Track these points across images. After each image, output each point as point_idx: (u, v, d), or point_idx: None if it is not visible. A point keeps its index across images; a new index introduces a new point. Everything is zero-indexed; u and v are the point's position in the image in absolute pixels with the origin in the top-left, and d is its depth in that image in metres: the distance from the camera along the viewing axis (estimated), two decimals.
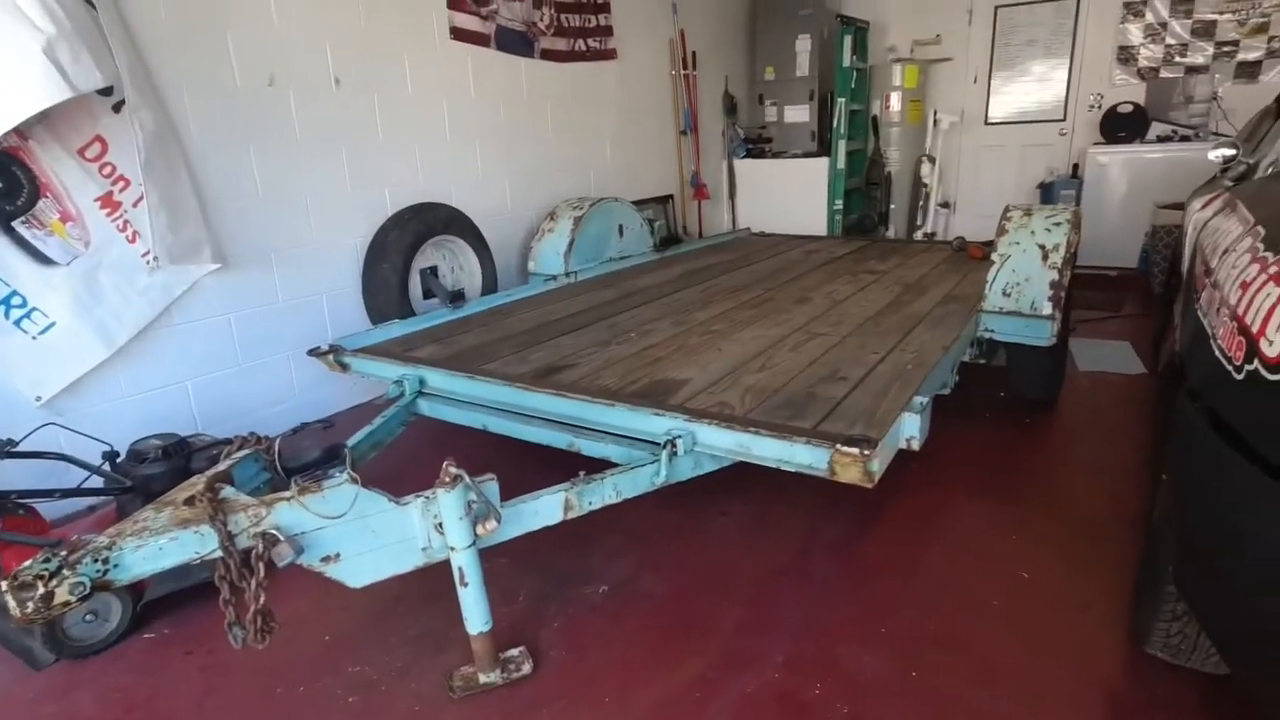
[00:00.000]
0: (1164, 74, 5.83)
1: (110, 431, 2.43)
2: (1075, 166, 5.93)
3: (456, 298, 3.42)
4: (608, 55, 5.10)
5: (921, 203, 6.33)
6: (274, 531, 1.46)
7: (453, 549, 1.65)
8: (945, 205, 6.56)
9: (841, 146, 6.16)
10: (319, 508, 1.52)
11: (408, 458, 2.87)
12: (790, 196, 6.46)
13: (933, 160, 6.23)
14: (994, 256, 3.03)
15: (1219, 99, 5.60)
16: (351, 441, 2.19)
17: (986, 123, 6.61)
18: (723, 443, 1.96)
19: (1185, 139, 5.61)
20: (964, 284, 3.74)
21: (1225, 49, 5.61)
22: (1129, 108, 5.70)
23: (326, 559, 1.57)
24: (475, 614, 1.73)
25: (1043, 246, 2.96)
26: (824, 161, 6.27)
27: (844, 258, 4.66)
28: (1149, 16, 5.78)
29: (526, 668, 1.83)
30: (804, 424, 2.00)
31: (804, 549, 2.36)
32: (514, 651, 1.88)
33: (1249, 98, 5.14)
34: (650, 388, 2.38)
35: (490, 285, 3.82)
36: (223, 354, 3.15)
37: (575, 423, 2.26)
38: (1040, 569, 2.19)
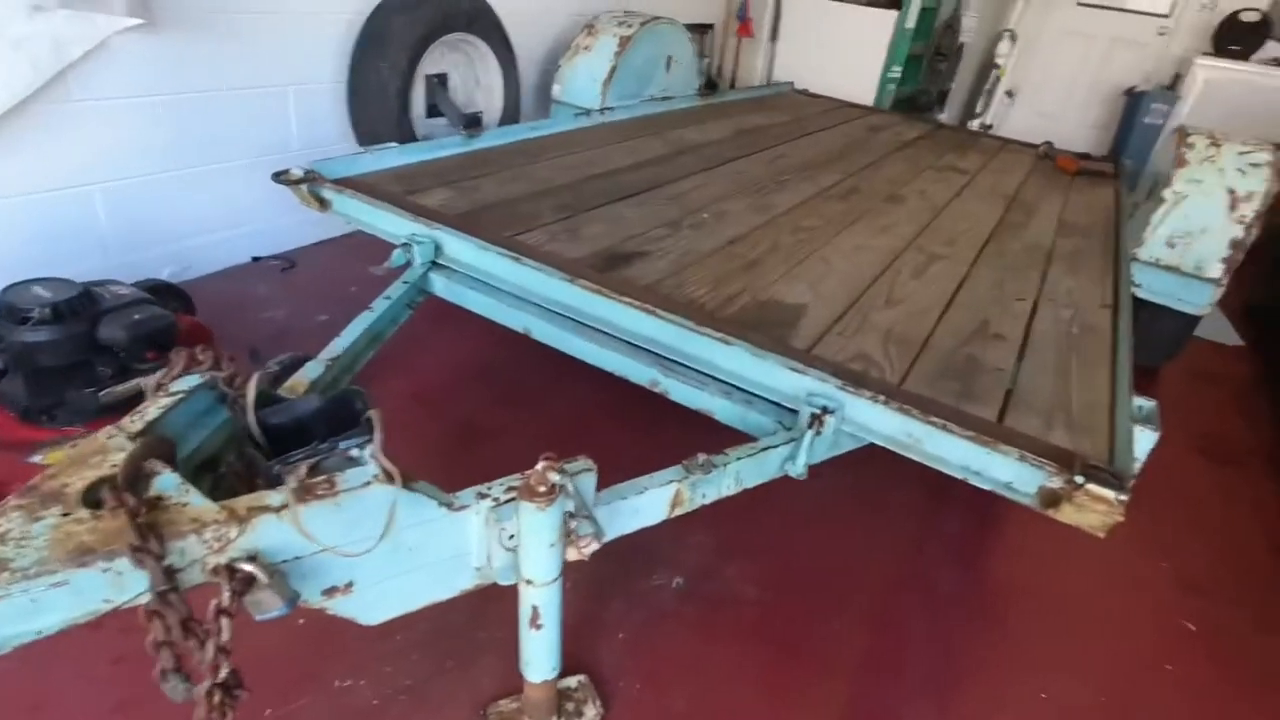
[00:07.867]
0: None
1: None
2: (1175, 78, 5.16)
3: (472, 123, 2.58)
4: None
5: (988, 86, 5.52)
6: (249, 566, 0.83)
7: (529, 581, 1.06)
8: (1009, 94, 5.76)
9: (916, 1, 5.17)
10: (331, 523, 0.89)
11: (413, 356, 2.19)
12: (841, 50, 5.50)
13: (1014, 38, 5.35)
14: (1166, 194, 2.42)
15: None
16: (344, 341, 1.51)
17: (1080, 2, 5.67)
18: (884, 427, 1.39)
19: None
20: (1071, 209, 3.12)
21: None
22: (1255, 16, 4.87)
23: (332, 590, 0.96)
24: (541, 660, 1.18)
25: (1232, 192, 2.36)
26: (892, 15, 5.28)
27: (917, 143, 3.93)
28: None
29: (592, 712, 1.32)
30: (983, 411, 1.45)
31: (917, 545, 1.89)
32: (572, 683, 1.36)
33: None
34: (757, 313, 1.75)
35: (512, 111, 2.95)
36: (146, 152, 2.27)
37: (662, 352, 1.63)
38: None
